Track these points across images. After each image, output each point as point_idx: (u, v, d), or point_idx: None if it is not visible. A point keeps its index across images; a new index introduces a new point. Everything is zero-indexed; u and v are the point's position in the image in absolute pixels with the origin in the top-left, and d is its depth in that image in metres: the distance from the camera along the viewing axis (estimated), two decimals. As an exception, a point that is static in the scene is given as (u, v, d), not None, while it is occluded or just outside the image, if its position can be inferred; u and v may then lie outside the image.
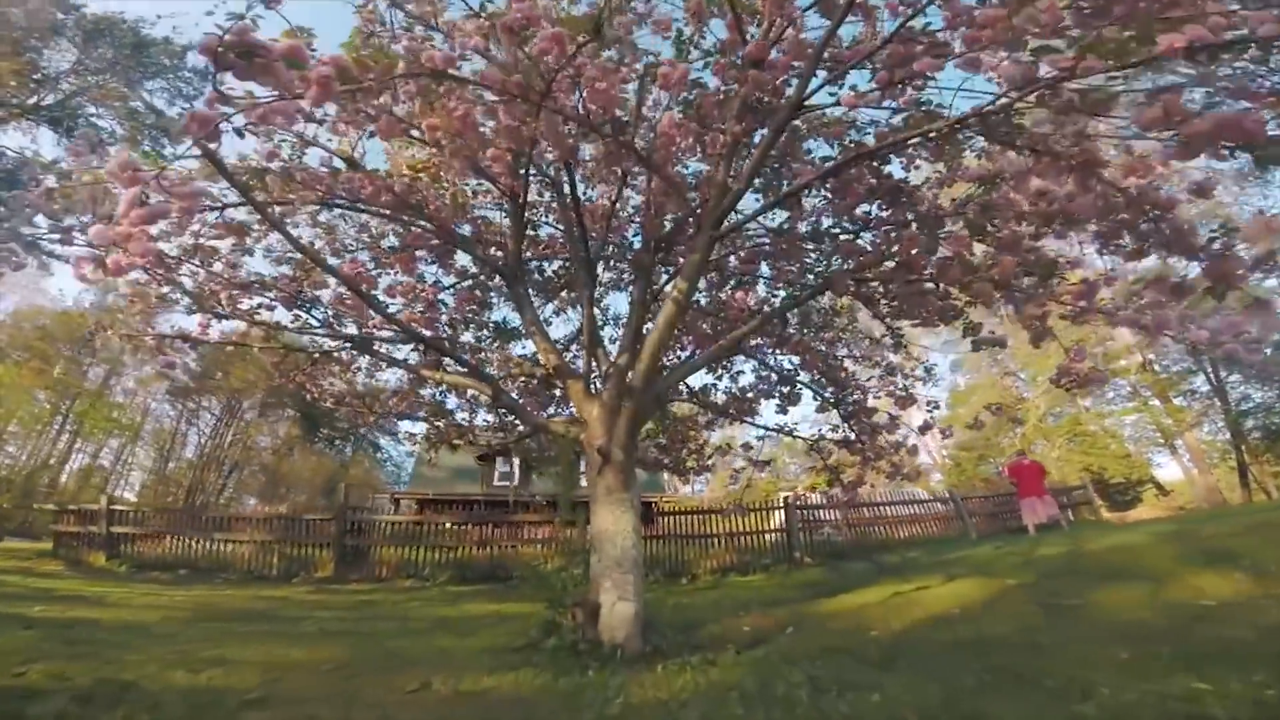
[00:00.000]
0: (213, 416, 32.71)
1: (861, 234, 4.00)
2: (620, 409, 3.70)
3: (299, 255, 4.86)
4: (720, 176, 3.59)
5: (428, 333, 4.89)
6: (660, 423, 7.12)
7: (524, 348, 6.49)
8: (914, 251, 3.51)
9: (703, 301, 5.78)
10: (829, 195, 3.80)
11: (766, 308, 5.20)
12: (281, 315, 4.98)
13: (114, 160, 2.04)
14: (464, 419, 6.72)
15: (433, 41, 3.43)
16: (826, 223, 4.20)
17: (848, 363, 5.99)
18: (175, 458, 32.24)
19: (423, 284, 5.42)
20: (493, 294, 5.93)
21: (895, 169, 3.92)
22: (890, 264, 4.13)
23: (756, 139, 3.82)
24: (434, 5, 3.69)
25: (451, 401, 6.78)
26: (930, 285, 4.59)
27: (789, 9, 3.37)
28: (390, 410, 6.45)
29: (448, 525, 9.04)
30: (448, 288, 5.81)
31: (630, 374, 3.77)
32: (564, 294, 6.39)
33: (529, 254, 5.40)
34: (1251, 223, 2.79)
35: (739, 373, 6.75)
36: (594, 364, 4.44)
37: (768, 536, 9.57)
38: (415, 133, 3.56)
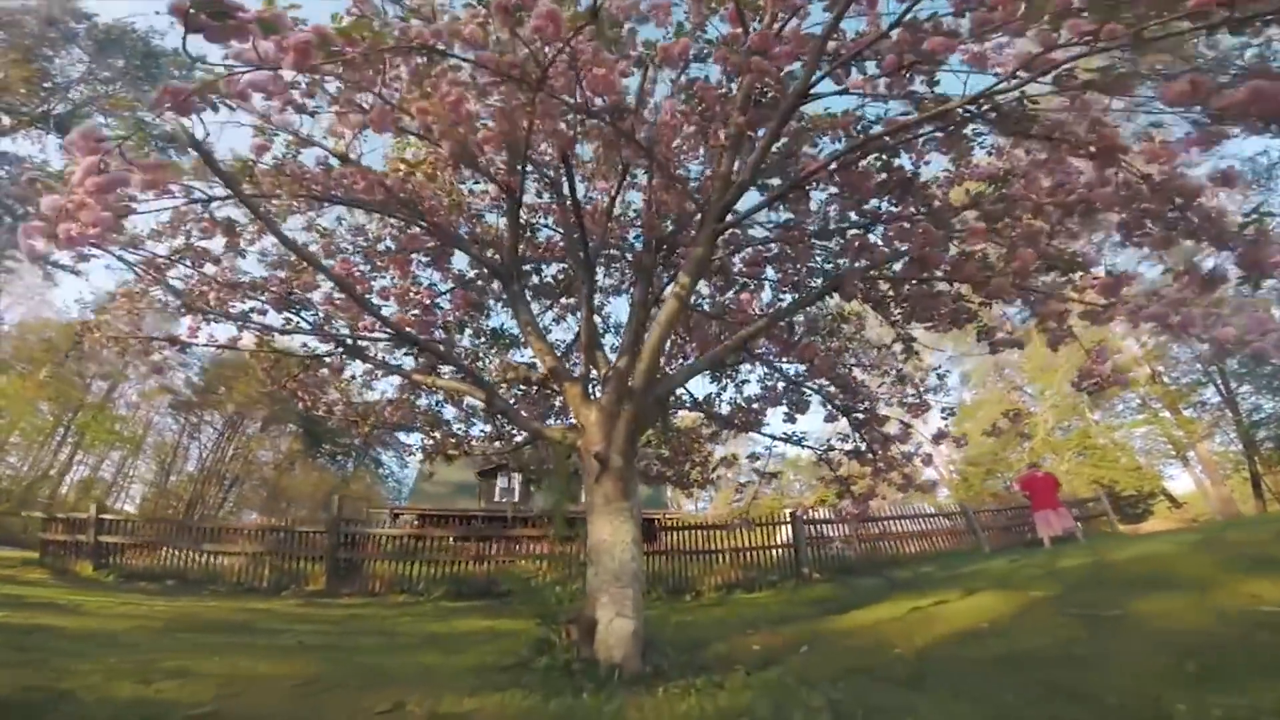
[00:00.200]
0: (215, 431, 32.69)
1: (871, 230, 3.84)
2: (619, 413, 3.51)
3: (290, 256, 4.76)
4: (724, 169, 3.45)
5: (421, 335, 4.72)
6: (663, 435, 6.92)
7: (522, 355, 6.35)
8: (927, 247, 3.34)
9: (706, 306, 5.63)
10: (838, 190, 3.65)
11: (772, 311, 5.03)
12: (272, 319, 4.87)
13: (76, 130, 1.91)
14: (460, 429, 6.54)
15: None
16: (835, 218, 4.03)
17: (856, 371, 5.80)
18: (176, 471, 32.15)
19: (418, 287, 5.29)
20: (489, 298, 5.79)
21: (905, 164, 3.76)
22: (902, 262, 3.98)
23: (761, 135, 3.70)
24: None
25: (448, 412, 6.62)
26: (944, 285, 4.43)
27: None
28: (385, 421, 6.29)
29: (443, 539, 8.81)
30: (444, 292, 5.69)
31: (630, 377, 3.59)
32: (563, 300, 6.26)
33: (525, 251, 5.26)
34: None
35: (744, 382, 6.56)
36: (592, 368, 4.26)
37: (774, 552, 9.28)
38: (409, 121, 3.44)
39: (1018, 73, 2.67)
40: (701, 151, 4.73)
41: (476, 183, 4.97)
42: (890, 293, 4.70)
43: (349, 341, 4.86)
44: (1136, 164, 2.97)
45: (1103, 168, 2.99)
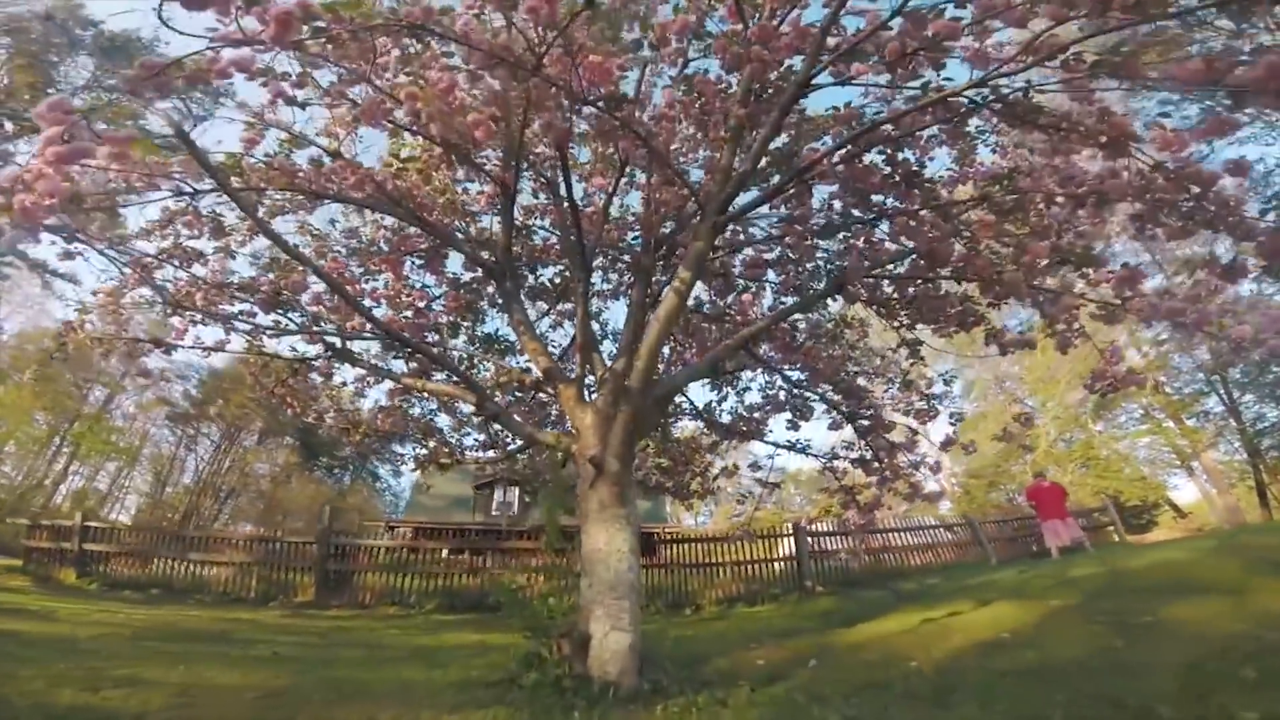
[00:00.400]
0: (211, 443, 32.46)
1: (876, 225, 3.73)
2: (616, 415, 3.37)
3: (280, 256, 4.66)
4: (724, 162, 3.36)
5: (412, 336, 4.59)
6: (661, 444, 6.77)
7: (516, 362, 6.22)
8: (936, 241, 3.22)
9: (706, 310, 5.51)
10: (841, 184, 3.55)
11: (774, 313, 4.91)
12: (261, 321, 4.75)
13: (44, 102, 1.81)
14: (454, 439, 6.39)
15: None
16: (838, 214, 3.92)
17: (860, 379, 5.66)
18: (173, 483, 31.83)
19: (411, 290, 5.18)
20: (483, 300, 5.67)
21: (910, 158, 3.67)
22: (908, 260, 3.87)
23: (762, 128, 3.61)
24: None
25: (441, 420, 6.47)
26: (950, 285, 4.31)
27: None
28: (377, 429, 6.14)
29: (436, 551, 8.61)
30: (437, 296, 5.58)
31: (628, 378, 3.45)
32: (559, 306, 6.15)
33: (520, 252, 5.15)
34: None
35: (745, 389, 6.42)
36: (589, 371, 4.13)
37: (776, 565, 9.06)
38: (399, 114, 3.35)
39: (1024, 56, 2.58)
40: (701, 153, 4.67)
41: (471, 181, 4.88)
42: (895, 295, 4.59)
43: (337, 345, 4.73)
44: (1148, 153, 2.88)
45: (1113, 157, 2.89)
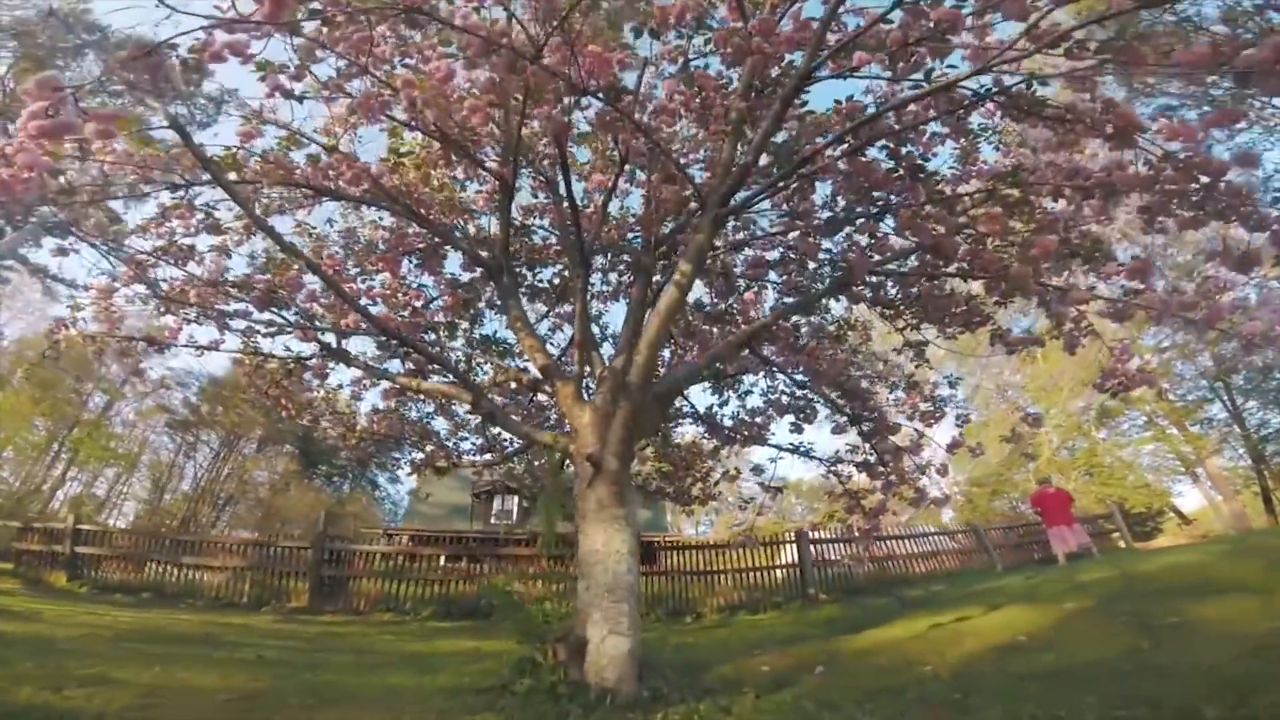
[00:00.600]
0: (211, 450, 32.34)
1: (881, 219, 3.67)
2: (615, 413, 3.29)
3: (275, 255, 4.61)
4: (725, 154, 3.30)
5: (408, 335, 4.52)
6: (662, 450, 6.68)
7: (515, 364, 6.14)
8: (941, 235, 3.16)
9: (708, 309, 5.44)
10: (845, 178, 3.49)
11: (776, 311, 4.84)
12: (255, 320, 4.68)
13: (33, 79, 1.75)
14: (451, 443, 6.30)
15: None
16: (842, 210, 3.86)
17: (863, 382, 5.58)
18: (171, 490, 31.67)
19: (408, 289, 5.12)
20: (480, 298, 5.60)
21: (913, 152, 3.61)
22: (913, 257, 3.80)
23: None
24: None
25: (438, 424, 6.39)
26: (956, 283, 4.24)
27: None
28: (373, 432, 6.06)
29: (433, 558, 8.50)
30: (435, 298, 5.52)
31: (627, 374, 3.37)
32: (558, 310, 6.08)
33: (519, 251, 5.10)
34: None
35: (747, 393, 6.33)
36: (587, 368, 4.05)
37: (778, 572, 8.92)
38: (397, 110, 3.31)
39: (1026, 44, 2.53)
40: (702, 153, 4.63)
41: (469, 180, 4.84)
42: (899, 295, 4.52)
43: (332, 344, 4.66)
44: (1156, 143, 2.82)
45: (1120, 148, 2.84)
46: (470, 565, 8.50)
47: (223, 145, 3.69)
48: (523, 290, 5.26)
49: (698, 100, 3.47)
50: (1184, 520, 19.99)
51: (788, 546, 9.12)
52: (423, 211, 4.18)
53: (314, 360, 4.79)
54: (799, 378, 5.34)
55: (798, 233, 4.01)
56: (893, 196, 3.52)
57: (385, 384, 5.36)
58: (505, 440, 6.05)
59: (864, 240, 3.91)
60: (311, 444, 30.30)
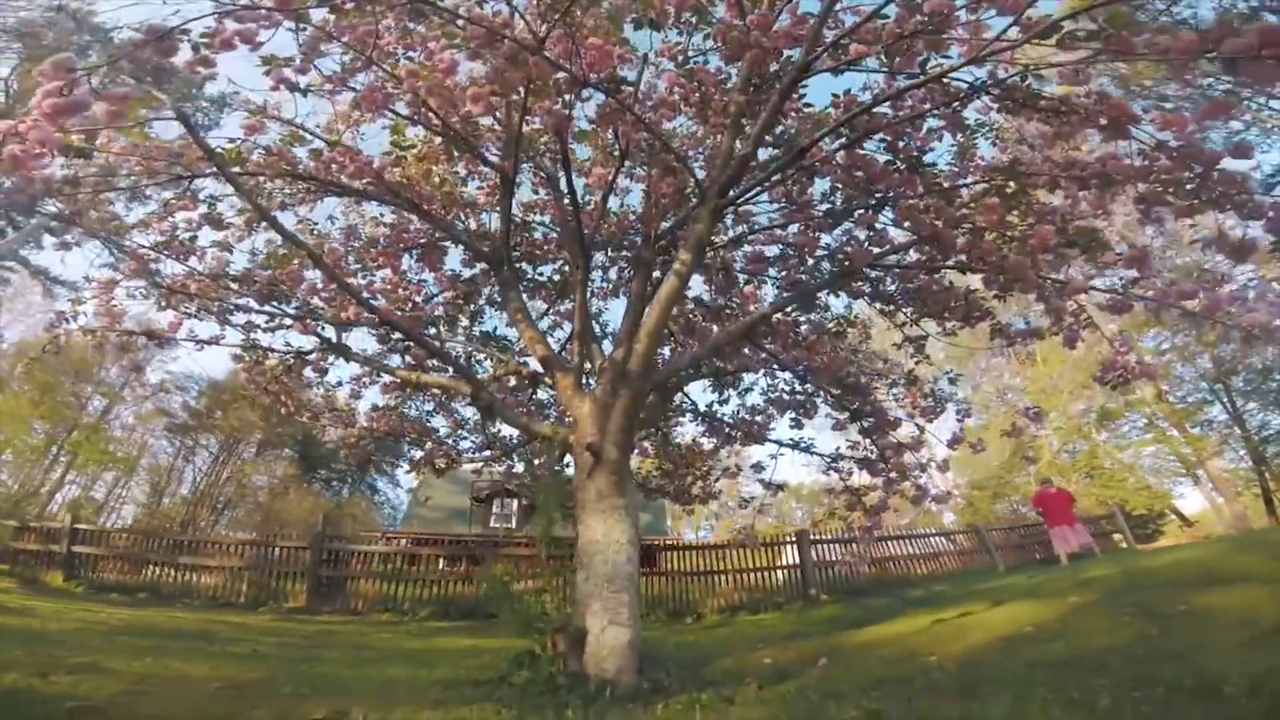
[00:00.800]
0: (210, 454, 32.27)
1: (880, 210, 3.68)
2: (614, 404, 3.28)
3: (276, 250, 4.62)
4: (725, 146, 3.32)
5: (407, 326, 4.51)
6: (661, 448, 6.67)
7: (515, 360, 6.14)
8: (940, 225, 3.16)
9: (707, 300, 5.45)
10: (843, 170, 3.50)
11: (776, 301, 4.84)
12: (255, 315, 4.69)
13: (48, 61, 1.77)
14: (450, 442, 6.29)
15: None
16: (841, 203, 3.88)
17: (863, 378, 5.57)
18: (170, 494, 31.58)
19: (408, 284, 5.13)
20: (482, 300, 5.62)
21: (911, 145, 3.63)
22: (911, 249, 3.81)
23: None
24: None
25: (437, 422, 6.38)
26: (955, 277, 4.24)
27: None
28: (373, 429, 6.05)
29: (432, 558, 8.47)
30: (436, 294, 5.53)
31: (627, 363, 3.37)
32: (558, 305, 6.09)
33: (518, 242, 5.11)
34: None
35: (747, 390, 6.32)
36: (586, 360, 4.05)
37: (779, 573, 8.87)
38: (400, 103, 3.33)
39: (1018, 28, 2.54)
40: (702, 151, 4.65)
41: (471, 177, 4.86)
42: (898, 290, 4.52)
43: (332, 340, 4.66)
44: (1150, 133, 2.84)
45: (1114, 139, 2.85)
46: (470, 567, 8.46)
47: (227, 138, 3.71)
48: (523, 285, 5.28)
49: (697, 95, 3.49)
50: (1185, 522, 19.94)
51: (789, 547, 9.08)
52: (424, 206, 4.19)
53: (314, 354, 4.78)
54: (799, 371, 5.34)
55: (797, 225, 4.01)
56: (890, 192, 3.54)
57: (384, 381, 5.36)
58: (505, 437, 6.04)
59: (862, 234, 3.92)
60: (310, 448, 30.23)
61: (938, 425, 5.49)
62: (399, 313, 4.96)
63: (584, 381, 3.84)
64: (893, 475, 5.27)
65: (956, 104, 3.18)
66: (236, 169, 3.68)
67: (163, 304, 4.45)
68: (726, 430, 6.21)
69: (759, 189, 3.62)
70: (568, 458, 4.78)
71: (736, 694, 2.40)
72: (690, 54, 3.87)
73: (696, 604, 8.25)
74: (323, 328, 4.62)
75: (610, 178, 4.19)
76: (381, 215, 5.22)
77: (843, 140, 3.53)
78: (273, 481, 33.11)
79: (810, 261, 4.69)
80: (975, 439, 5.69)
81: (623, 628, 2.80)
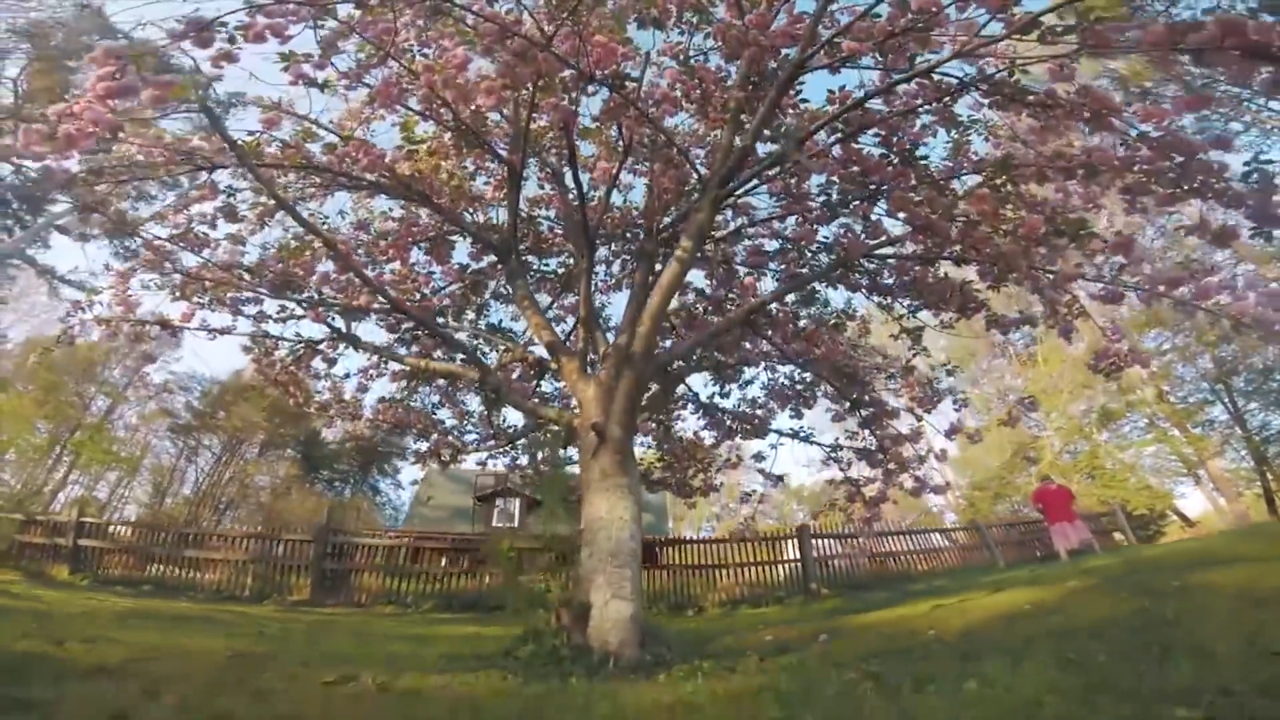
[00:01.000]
0: (212, 455, 32.36)
1: (875, 201, 3.78)
2: (618, 386, 3.37)
3: (289, 242, 4.73)
4: (725, 140, 3.43)
5: (418, 313, 4.62)
6: (661, 443, 6.75)
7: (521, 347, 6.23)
8: (933, 214, 3.26)
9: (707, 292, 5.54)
10: (839, 164, 3.60)
11: (776, 302, 4.93)
12: (268, 307, 4.80)
13: (100, 46, 1.89)
14: (456, 434, 6.38)
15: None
16: (837, 197, 3.98)
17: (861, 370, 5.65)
18: (172, 494, 31.69)
19: (416, 276, 5.23)
20: (488, 293, 5.72)
21: (905, 139, 3.73)
22: (906, 240, 3.89)
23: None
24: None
25: (442, 414, 6.47)
26: (950, 268, 4.33)
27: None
28: (379, 420, 6.14)
29: (436, 553, 8.55)
30: (443, 288, 5.63)
31: (630, 346, 3.46)
32: (562, 299, 6.19)
33: (524, 234, 5.21)
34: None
35: (748, 383, 6.41)
36: (591, 346, 4.15)
37: (781, 568, 8.92)
38: (413, 99, 3.44)
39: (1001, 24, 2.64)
40: (702, 150, 4.75)
41: (479, 173, 4.98)
42: (895, 282, 4.61)
43: (342, 329, 4.76)
44: (1132, 125, 2.94)
45: (1097, 130, 2.95)
46: (472, 563, 8.53)
47: (246, 131, 3.82)
48: (529, 276, 5.38)
49: (698, 91, 3.59)
50: (1187, 523, 19.90)
51: (790, 542, 9.14)
52: (434, 199, 4.30)
53: (324, 344, 4.89)
54: (799, 362, 5.43)
55: (795, 218, 4.11)
56: (884, 184, 3.64)
57: (392, 370, 5.45)
58: (509, 427, 6.13)
59: (858, 226, 4.01)
60: (313, 448, 30.30)
61: (936, 417, 5.58)
62: (409, 303, 5.06)
63: (588, 367, 3.94)
64: (891, 467, 5.34)
65: (947, 99, 3.28)
66: (255, 161, 3.79)
67: (177, 294, 4.55)
68: (727, 424, 6.29)
69: (757, 180, 3.71)
70: (571, 451, 4.89)
71: (738, 665, 2.48)
72: (691, 53, 3.99)
73: (698, 598, 8.31)
74: (333, 317, 4.72)
75: (614, 172, 4.30)
76: (390, 210, 5.33)
77: (838, 135, 3.63)
78: (275, 482, 33.21)
79: (808, 254, 4.78)
80: (973, 430, 5.75)
81: (626, 601, 2.88)
